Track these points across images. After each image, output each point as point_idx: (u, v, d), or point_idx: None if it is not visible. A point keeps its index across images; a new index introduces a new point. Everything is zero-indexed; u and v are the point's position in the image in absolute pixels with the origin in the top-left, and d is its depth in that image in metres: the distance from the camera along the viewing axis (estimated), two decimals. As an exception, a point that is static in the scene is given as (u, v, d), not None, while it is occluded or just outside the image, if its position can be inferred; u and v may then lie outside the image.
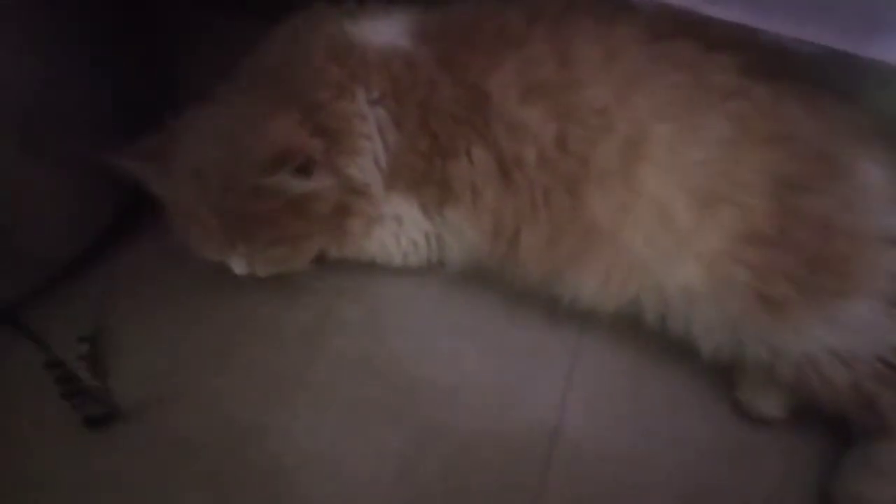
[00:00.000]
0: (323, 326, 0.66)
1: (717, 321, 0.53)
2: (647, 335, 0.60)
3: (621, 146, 0.52)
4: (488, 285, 0.64)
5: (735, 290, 0.51)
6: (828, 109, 0.54)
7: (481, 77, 0.55)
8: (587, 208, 0.54)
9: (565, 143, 0.53)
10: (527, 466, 0.59)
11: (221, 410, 0.62)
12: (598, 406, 0.61)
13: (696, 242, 0.52)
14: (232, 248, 0.56)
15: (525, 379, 0.63)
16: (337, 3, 0.61)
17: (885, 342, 0.51)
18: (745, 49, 0.55)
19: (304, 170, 0.52)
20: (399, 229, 0.61)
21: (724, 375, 0.60)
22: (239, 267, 0.58)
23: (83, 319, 0.66)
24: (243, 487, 0.59)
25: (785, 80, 0.54)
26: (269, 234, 0.55)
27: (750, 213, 0.50)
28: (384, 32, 0.58)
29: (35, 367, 0.57)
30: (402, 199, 0.59)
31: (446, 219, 0.59)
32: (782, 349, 0.52)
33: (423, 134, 0.57)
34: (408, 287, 0.66)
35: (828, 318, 0.51)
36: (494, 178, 0.56)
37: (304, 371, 0.64)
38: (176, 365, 0.65)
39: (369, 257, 0.64)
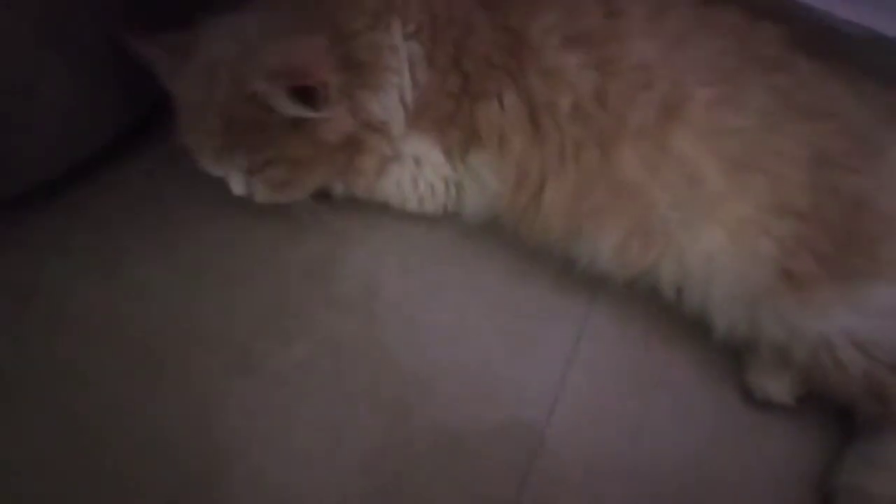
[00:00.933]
0: (324, 269, 0.64)
1: (737, 295, 0.52)
2: (659, 309, 0.59)
3: (659, 104, 0.51)
4: (502, 241, 0.62)
5: (759, 263, 0.50)
6: (869, 93, 0.53)
7: (522, 21, 0.53)
8: (617, 164, 0.52)
9: (602, 96, 0.52)
10: (525, 432, 0.57)
11: (208, 331, 0.61)
12: (601, 378, 0.60)
13: (724, 208, 0.50)
14: (231, 158, 0.54)
15: (529, 342, 0.61)
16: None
17: (906, 332, 0.50)
18: (793, 23, 0.54)
19: (310, 98, 0.50)
20: (418, 171, 0.59)
21: (732, 356, 0.58)
22: (237, 185, 0.56)
23: (80, 227, 0.64)
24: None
25: (829, 59, 0.53)
26: (269, 150, 0.53)
27: (783, 185, 0.49)
28: (428, -34, 0.56)
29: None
30: (425, 140, 0.58)
31: (469, 164, 0.57)
32: (800, 329, 0.51)
33: (455, 74, 0.55)
34: (416, 235, 0.64)
35: (851, 301, 0.50)
36: (524, 126, 0.54)
37: (300, 306, 0.62)
38: (172, 281, 0.63)
39: (383, 198, 0.62)
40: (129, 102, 0.64)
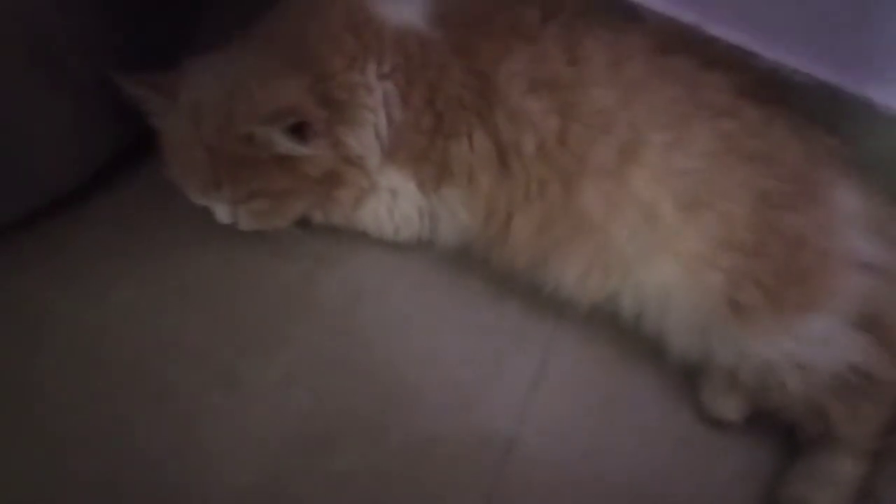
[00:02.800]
0: (303, 291, 0.67)
1: (690, 322, 0.56)
2: (620, 333, 0.62)
3: (618, 147, 0.55)
4: (472, 269, 0.65)
5: (709, 293, 0.54)
6: (812, 137, 0.57)
7: (491, 66, 0.57)
8: (579, 201, 0.56)
9: (565, 138, 0.56)
10: (493, 449, 0.60)
11: (191, 349, 0.63)
12: (565, 397, 0.63)
13: (678, 242, 0.54)
14: (217, 191, 0.57)
15: (497, 363, 0.64)
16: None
17: (842, 359, 0.54)
18: (742, 70, 0.58)
19: (302, 134, 0.54)
20: (393, 203, 0.62)
21: (687, 377, 0.62)
22: (222, 214, 0.59)
23: (67, 251, 0.66)
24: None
25: (775, 105, 0.58)
26: (254, 183, 0.56)
27: (729, 221, 0.53)
28: (402, 11, 0.59)
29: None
30: (400, 174, 0.61)
31: (442, 197, 0.61)
32: (746, 354, 0.55)
33: (429, 113, 0.58)
34: (391, 261, 0.67)
35: (791, 329, 0.54)
36: (492, 164, 0.58)
37: (279, 327, 0.65)
38: (156, 303, 0.65)
39: (361, 227, 0.65)
40: (117, 134, 0.67)
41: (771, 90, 0.58)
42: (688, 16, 0.61)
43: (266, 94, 0.53)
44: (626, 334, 0.62)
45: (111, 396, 0.61)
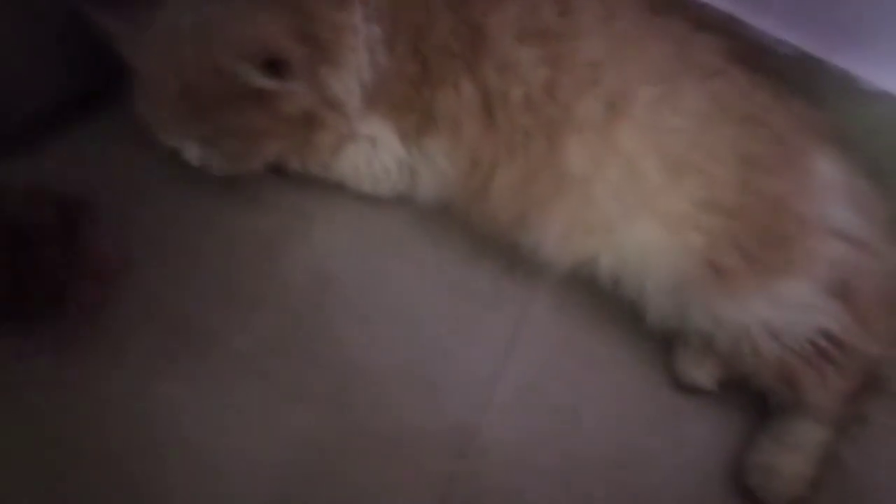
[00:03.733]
0: (274, 244, 0.64)
1: (668, 284, 0.55)
2: (597, 298, 0.62)
3: (605, 101, 0.54)
4: (450, 228, 0.64)
5: (689, 255, 0.54)
6: (795, 107, 0.58)
7: (481, 14, 0.55)
8: (563, 155, 0.55)
9: (553, 89, 0.55)
10: (464, 408, 0.59)
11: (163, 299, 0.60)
12: (539, 361, 0.62)
13: (661, 202, 0.54)
14: (188, 129, 0.54)
15: (473, 325, 0.63)
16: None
17: (815, 324, 0.54)
18: (731, 36, 0.58)
19: (278, 71, 0.51)
20: (373, 152, 0.60)
21: (663, 344, 0.62)
22: (193, 155, 0.56)
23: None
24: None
25: (762, 73, 0.58)
26: (229, 120, 0.53)
27: (713, 183, 0.53)
28: (391, -46, 0.57)
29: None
30: (381, 122, 0.59)
31: (423, 148, 0.59)
32: (723, 318, 0.55)
33: (414, 59, 0.56)
34: (368, 216, 0.65)
35: (768, 293, 0.54)
36: (478, 114, 0.56)
37: (251, 283, 0.62)
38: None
39: (338, 177, 0.63)
40: (81, 69, 0.63)
41: (758, 58, 0.59)
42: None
43: (244, 29, 0.51)
44: (603, 298, 0.61)
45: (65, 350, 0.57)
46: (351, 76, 0.56)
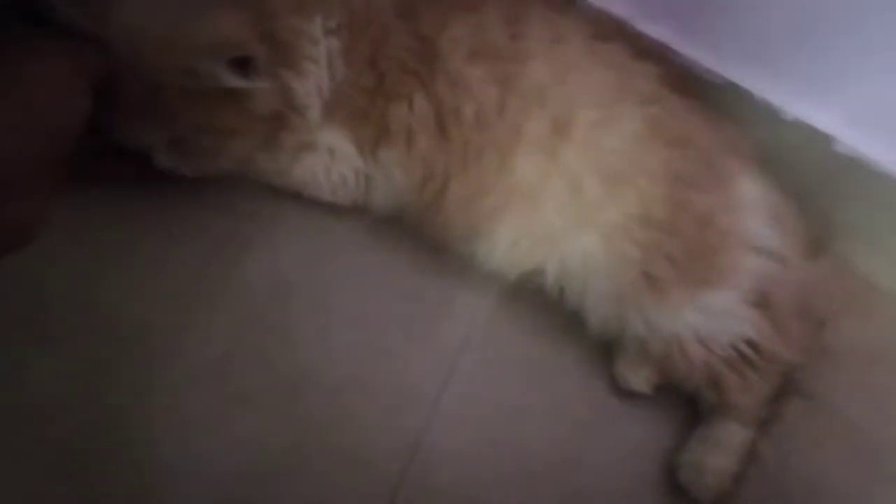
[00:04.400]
0: (229, 251, 0.64)
1: (607, 293, 0.59)
2: (544, 306, 0.64)
3: (551, 122, 0.57)
4: (404, 237, 0.66)
5: (626, 265, 0.58)
6: (722, 129, 0.63)
7: (434, 31, 0.58)
8: (513, 171, 0.58)
9: (503, 109, 0.57)
10: (412, 415, 0.61)
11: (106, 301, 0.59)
12: (487, 367, 0.65)
13: (599, 215, 0.57)
14: (156, 129, 0.54)
15: (424, 330, 0.65)
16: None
17: (738, 331, 0.59)
18: (667, 63, 0.63)
19: (243, 68, 0.51)
20: (331, 161, 0.62)
21: (604, 350, 0.65)
22: (162, 156, 0.55)
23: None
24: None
25: (693, 98, 0.63)
26: (197, 117, 0.53)
27: (647, 198, 0.57)
28: (348, -32, 0.59)
29: None
30: (339, 132, 0.60)
31: (379, 159, 0.61)
32: (656, 325, 0.59)
33: (370, 72, 0.58)
34: (324, 224, 0.66)
35: (696, 303, 0.58)
36: (431, 128, 0.58)
37: (204, 287, 0.62)
38: (69, 254, 0.60)
39: (298, 186, 0.64)
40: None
41: (691, 85, 0.64)
42: (619, 9, 0.65)
43: (204, 26, 0.51)
44: (550, 307, 0.64)
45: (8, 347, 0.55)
46: (311, 85, 0.57)
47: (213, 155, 0.56)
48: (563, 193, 0.58)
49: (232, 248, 0.64)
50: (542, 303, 0.64)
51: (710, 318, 0.58)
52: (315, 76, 0.57)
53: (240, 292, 0.63)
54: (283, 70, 0.55)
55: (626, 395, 0.64)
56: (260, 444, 0.57)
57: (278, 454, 0.57)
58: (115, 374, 0.57)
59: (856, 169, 0.63)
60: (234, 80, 0.52)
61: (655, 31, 0.65)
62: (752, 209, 0.60)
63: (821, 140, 0.63)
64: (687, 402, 0.64)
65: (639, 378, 0.64)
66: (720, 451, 0.60)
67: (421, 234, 0.64)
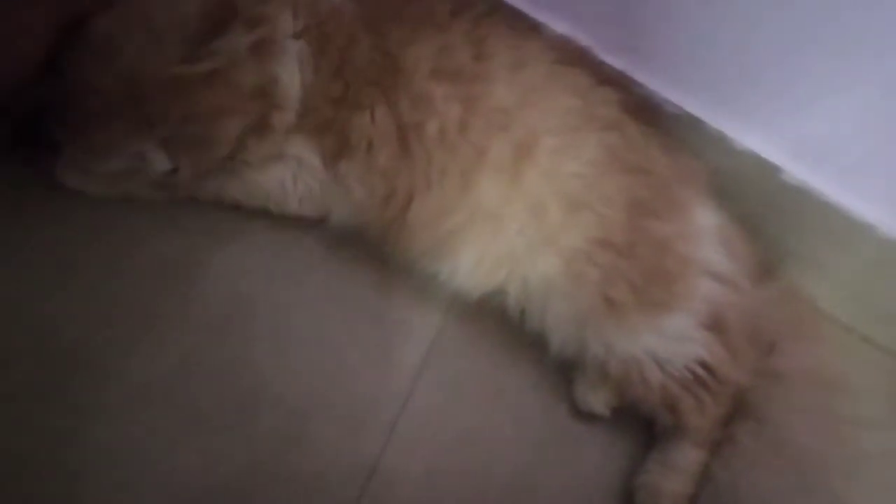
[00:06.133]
0: (184, 269, 0.62)
1: (568, 315, 0.60)
2: (505, 328, 0.65)
3: (513, 145, 0.58)
4: (365, 255, 0.65)
5: (586, 287, 0.58)
6: (679, 158, 0.65)
7: (398, 47, 0.58)
8: (476, 192, 0.58)
9: (466, 129, 0.58)
10: (373, 436, 0.59)
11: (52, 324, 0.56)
12: (446, 388, 0.64)
13: (560, 238, 0.58)
14: (143, 131, 0.52)
15: (384, 351, 0.64)
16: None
17: (693, 354, 0.60)
18: (627, 91, 0.65)
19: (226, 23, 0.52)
20: (298, 171, 0.61)
21: (564, 373, 0.65)
22: (159, 160, 0.54)
23: None
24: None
25: (652, 126, 0.64)
26: (182, 107, 0.52)
27: (606, 223, 0.58)
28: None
29: None
30: (305, 142, 0.60)
31: (339, 172, 0.60)
32: (615, 347, 0.59)
33: (337, 82, 0.58)
34: (283, 240, 0.65)
35: (653, 325, 0.59)
36: (392, 142, 0.58)
37: (158, 305, 0.59)
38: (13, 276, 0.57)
39: (264, 196, 0.63)
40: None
41: (650, 113, 0.65)
42: (582, 39, 0.66)
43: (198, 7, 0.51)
44: (511, 329, 0.64)
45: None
46: (293, 76, 0.57)
47: (206, 143, 0.55)
48: (525, 216, 0.58)
49: (186, 267, 0.62)
50: (503, 324, 0.64)
51: (666, 341, 0.59)
52: (289, 75, 0.57)
53: (194, 311, 0.60)
54: (266, 57, 0.55)
55: (586, 417, 0.65)
56: (214, 464, 0.54)
57: (233, 476, 0.55)
58: (55, 399, 0.53)
59: (802, 198, 0.66)
60: (219, 44, 0.51)
61: (616, 62, 0.67)
62: (706, 236, 0.62)
63: (769, 170, 0.66)
64: (644, 425, 0.64)
65: (597, 400, 0.64)
66: (675, 473, 0.61)
67: (383, 252, 0.63)
